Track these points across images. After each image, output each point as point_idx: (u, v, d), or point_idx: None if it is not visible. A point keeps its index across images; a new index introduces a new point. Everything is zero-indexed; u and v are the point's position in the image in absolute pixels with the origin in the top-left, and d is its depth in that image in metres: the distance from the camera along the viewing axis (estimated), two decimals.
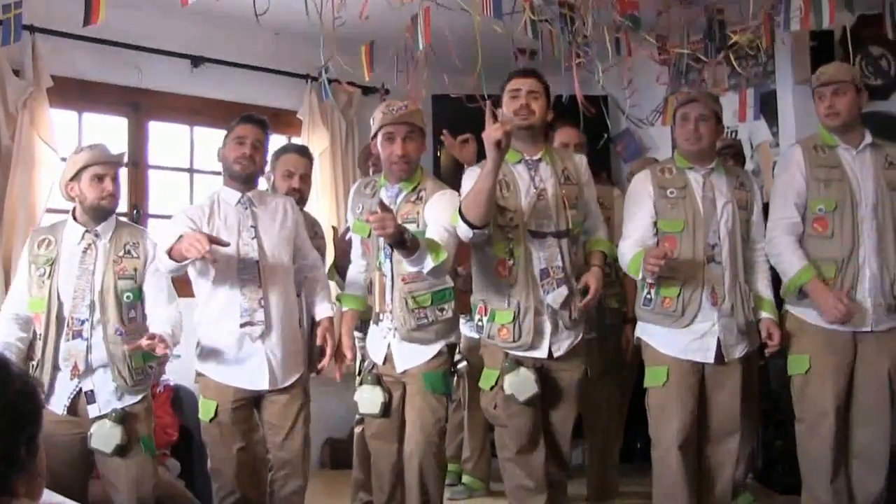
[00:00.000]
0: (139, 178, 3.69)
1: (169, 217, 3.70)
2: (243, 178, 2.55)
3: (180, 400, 3.12)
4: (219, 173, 3.79)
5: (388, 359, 2.50)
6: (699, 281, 2.49)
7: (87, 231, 2.41)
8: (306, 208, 3.11)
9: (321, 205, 3.95)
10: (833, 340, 2.54)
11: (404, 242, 2.21)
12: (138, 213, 3.65)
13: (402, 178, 2.48)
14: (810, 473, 2.59)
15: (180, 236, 2.27)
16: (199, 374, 2.54)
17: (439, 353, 2.46)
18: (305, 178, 2.92)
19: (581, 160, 2.59)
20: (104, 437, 2.28)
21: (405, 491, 2.51)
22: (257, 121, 2.58)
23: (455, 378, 2.62)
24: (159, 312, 2.43)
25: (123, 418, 2.31)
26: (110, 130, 3.65)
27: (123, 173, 3.55)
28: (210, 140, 3.97)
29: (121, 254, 2.42)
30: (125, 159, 2.48)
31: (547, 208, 2.44)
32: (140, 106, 3.68)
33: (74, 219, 2.43)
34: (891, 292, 2.53)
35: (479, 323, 2.48)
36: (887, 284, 2.53)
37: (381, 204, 2.26)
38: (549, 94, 2.53)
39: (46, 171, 3.21)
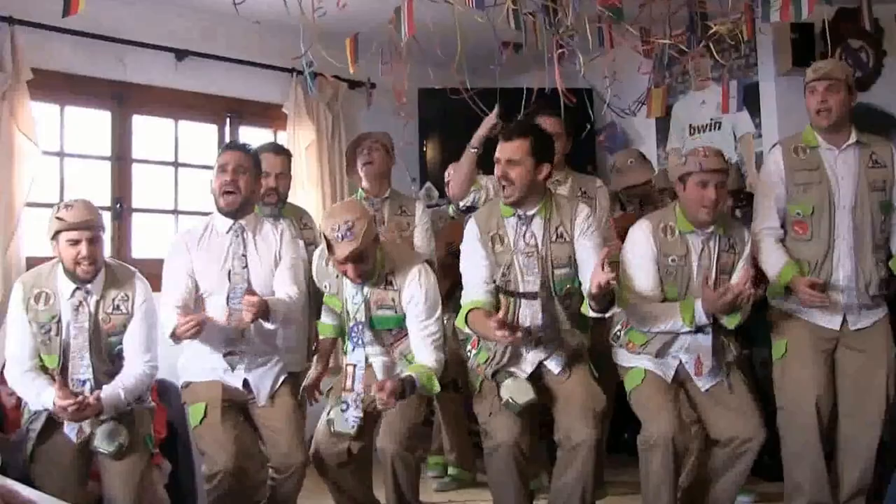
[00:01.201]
0: (123, 172, 3.67)
1: (153, 211, 3.76)
2: (231, 213, 2.55)
3: (167, 392, 3.10)
4: (203, 167, 3.83)
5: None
6: (679, 346, 2.49)
7: (77, 288, 2.40)
8: (292, 200, 3.13)
9: (308, 199, 3.94)
10: (812, 329, 2.58)
11: (404, 394, 2.28)
12: (122, 208, 3.63)
13: (362, 280, 2.45)
14: (790, 460, 2.63)
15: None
16: (184, 387, 2.57)
17: None
18: (281, 177, 2.92)
19: (581, 210, 2.49)
20: (108, 438, 2.31)
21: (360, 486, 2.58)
22: (239, 147, 2.60)
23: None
24: (130, 365, 2.44)
25: (127, 419, 2.36)
26: (94, 124, 3.62)
27: (104, 166, 3.60)
28: (195, 134, 3.96)
29: (109, 311, 2.42)
30: (101, 222, 2.42)
31: (533, 266, 2.42)
32: (124, 99, 3.65)
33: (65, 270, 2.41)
34: (866, 292, 2.55)
35: (469, 353, 2.54)
36: (862, 285, 2.54)
37: (382, 384, 2.24)
38: (544, 144, 2.46)
39: (27, 164, 3.18)
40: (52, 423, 2.36)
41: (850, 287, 2.54)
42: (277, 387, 2.58)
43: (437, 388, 2.36)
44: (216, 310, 2.48)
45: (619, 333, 2.59)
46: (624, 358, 2.61)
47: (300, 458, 2.52)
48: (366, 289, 2.47)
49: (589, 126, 3.48)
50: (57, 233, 2.36)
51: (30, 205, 3.21)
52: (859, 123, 2.76)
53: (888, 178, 2.59)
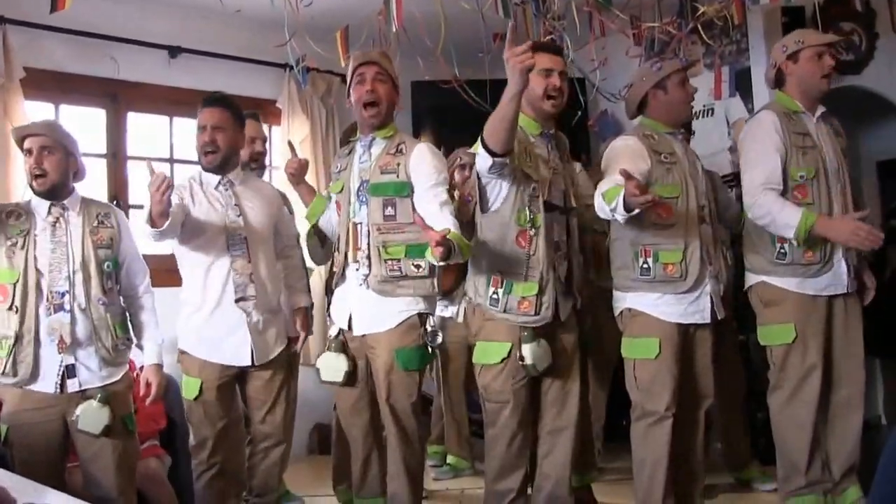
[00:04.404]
0: (118, 170, 3.69)
1: None
2: (212, 170, 2.60)
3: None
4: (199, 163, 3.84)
5: (351, 324, 2.49)
6: (697, 243, 2.46)
7: (52, 205, 2.40)
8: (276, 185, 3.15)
9: None
10: (813, 307, 2.57)
11: (449, 255, 2.19)
12: (118, 205, 3.64)
13: (374, 123, 2.46)
14: (789, 440, 2.60)
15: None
16: (181, 353, 2.57)
17: (410, 326, 2.41)
18: (264, 142, 3.04)
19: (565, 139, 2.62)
20: (92, 418, 2.29)
21: (381, 454, 2.54)
22: (214, 101, 2.59)
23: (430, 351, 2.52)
24: (142, 297, 2.51)
25: (108, 398, 2.32)
26: (88, 122, 3.64)
27: (100, 163, 3.63)
28: (189, 130, 3.97)
29: (95, 224, 2.43)
30: (61, 138, 2.40)
31: (561, 183, 2.45)
32: (118, 97, 3.67)
33: (37, 194, 2.42)
34: (858, 254, 2.59)
35: (494, 296, 2.38)
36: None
37: (433, 237, 2.16)
38: None
39: (22, 163, 3.18)
40: (27, 406, 2.31)
41: (847, 249, 2.55)
42: (275, 354, 2.59)
43: (468, 252, 2.28)
44: (218, 259, 2.51)
45: (646, 265, 2.44)
46: (653, 308, 2.46)
47: (280, 433, 2.59)
48: (374, 147, 2.48)
49: (580, 114, 3.48)
50: (20, 149, 2.42)
51: None
52: (853, 106, 2.77)
53: (846, 148, 2.70)
